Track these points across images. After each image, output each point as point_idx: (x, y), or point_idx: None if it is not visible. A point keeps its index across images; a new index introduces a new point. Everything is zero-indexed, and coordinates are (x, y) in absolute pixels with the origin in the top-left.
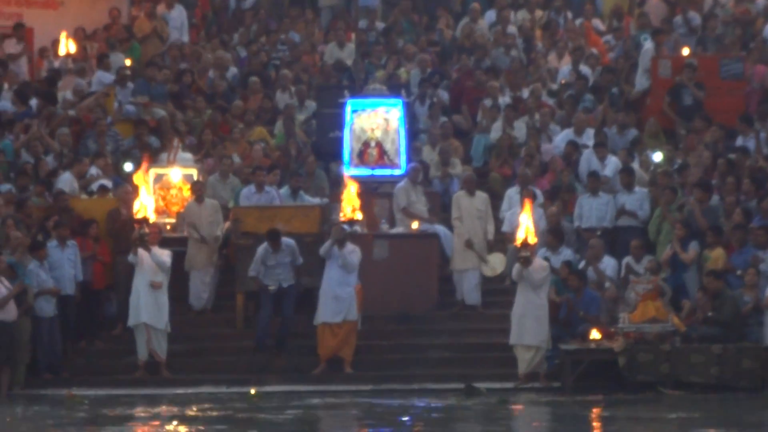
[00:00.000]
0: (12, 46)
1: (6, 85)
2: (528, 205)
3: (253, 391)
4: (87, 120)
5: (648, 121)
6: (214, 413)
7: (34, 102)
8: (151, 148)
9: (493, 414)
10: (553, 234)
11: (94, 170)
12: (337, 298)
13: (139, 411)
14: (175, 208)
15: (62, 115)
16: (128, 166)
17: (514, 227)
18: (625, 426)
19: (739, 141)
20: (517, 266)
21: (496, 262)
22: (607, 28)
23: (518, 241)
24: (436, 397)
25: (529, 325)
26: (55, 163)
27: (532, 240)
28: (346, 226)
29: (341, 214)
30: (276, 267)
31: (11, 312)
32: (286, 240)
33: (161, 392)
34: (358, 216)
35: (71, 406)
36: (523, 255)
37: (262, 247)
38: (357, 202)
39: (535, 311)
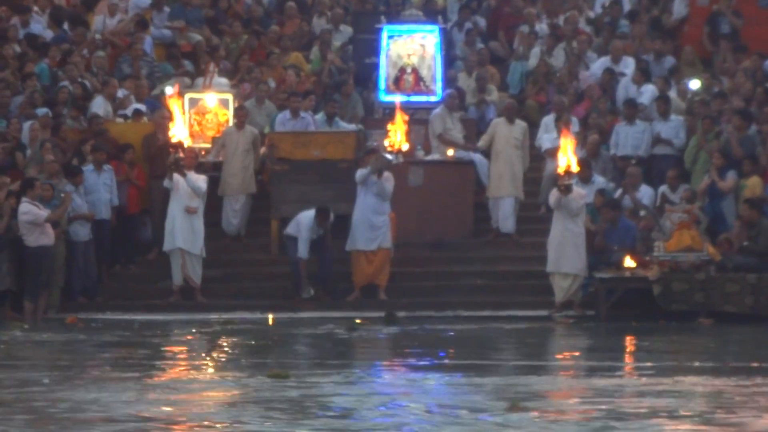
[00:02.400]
0: None
1: (39, 9)
2: (568, 133)
3: (270, 319)
4: (125, 44)
5: (684, 49)
6: (248, 339)
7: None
8: (187, 73)
9: (525, 338)
10: (584, 164)
11: (120, 93)
12: (372, 226)
13: (174, 335)
14: (210, 133)
15: (90, 39)
16: (169, 90)
17: (556, 145)
18: (657, 354)
19: None
20: (555, 194)
21: None
22: None
23: (561, 170)
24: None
25: (567, 253)
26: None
27: (575, 168)
28: (390, 156)
29: (388, 143)
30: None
31: (50, 236)
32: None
33: (195, 317)
34: (405, 147)
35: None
36: (566, 183)
37: (308, 227)
38: (404, 131)
39: (574, 239)
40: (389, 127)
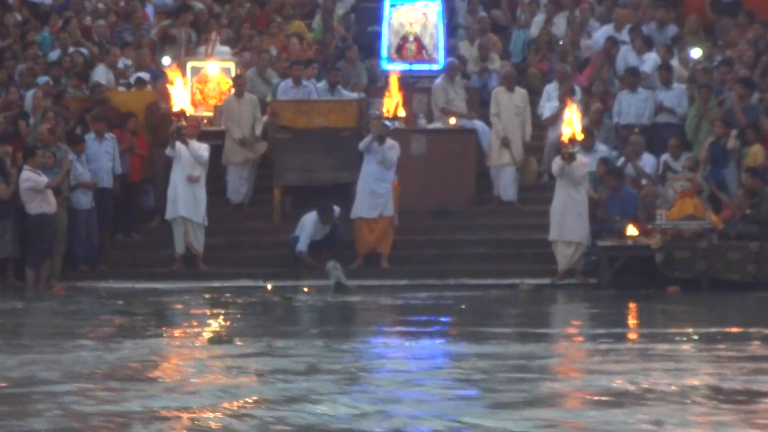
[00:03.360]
0: None
1: None
2: (571, 102)
3: (269, 287)
4: (124, 12)
5: (688, 18)
6: (249, 307)
7: None
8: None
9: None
10: (586, 132)
11: (122, 62)
12: (374, 193)
13: (176, 303)
14: (212, 102)
15: (93, 7)
16: (166, 60)
17: (555, 114)
18: (658, 320)
19: None
20: (558, 162)
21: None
22: None
23: (564, 138)
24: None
25: (570, 221)
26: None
27: (579, 136)
28: (388, 123)
29: (384, 110)
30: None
31: (51, 204)
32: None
33: (198, 285)
34: (401, 113)
35: None
36: (570, 151)
37: (312, 223)
38: (400, 98)
39: (576, 207)
40: (386, 94)
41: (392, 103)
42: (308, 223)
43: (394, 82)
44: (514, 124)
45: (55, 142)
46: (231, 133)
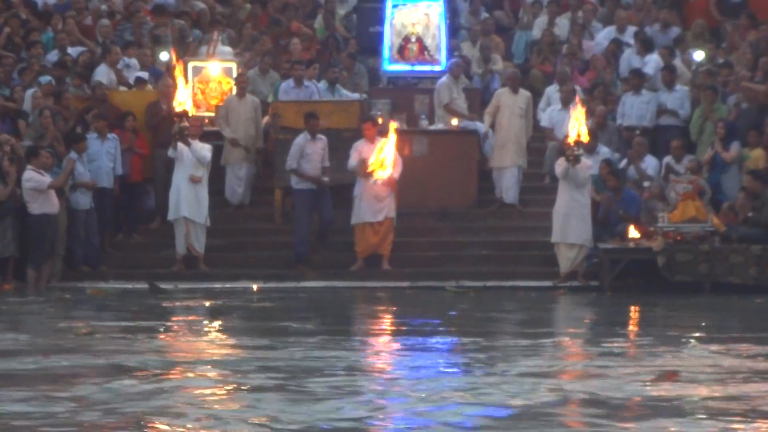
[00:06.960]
0: None
1: None
2: (579, 104)
3: (255, 288)
4: (126, 11)
5: (694, 22)
6: (249, 307)
7: None
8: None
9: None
10: (590, 134)
11: (125, 61)
12: (378, 197)
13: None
14: (213, 102)
15: (94, 8)
16: (164, 56)
17: (553, 123)
18: (660, 322)
19: None
20: (562, 164)
21: None
22: None
23: (570, 140)
24: None
25: (573, 223)
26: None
27: (585, 138)
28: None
29: (370, 163)
30: (313, 155)
31: (54, 204)
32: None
33: (198, 286)
34: (384, 172)
35: None
36: (576, 153)
37: (300, 137)
38: (390, 156)
39: (580, 209)
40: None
41: (379, 159)
42: (296, 140)
43: (388, 140)
44: (516, 125)
45: (60, 142)
46: (222, 132)
